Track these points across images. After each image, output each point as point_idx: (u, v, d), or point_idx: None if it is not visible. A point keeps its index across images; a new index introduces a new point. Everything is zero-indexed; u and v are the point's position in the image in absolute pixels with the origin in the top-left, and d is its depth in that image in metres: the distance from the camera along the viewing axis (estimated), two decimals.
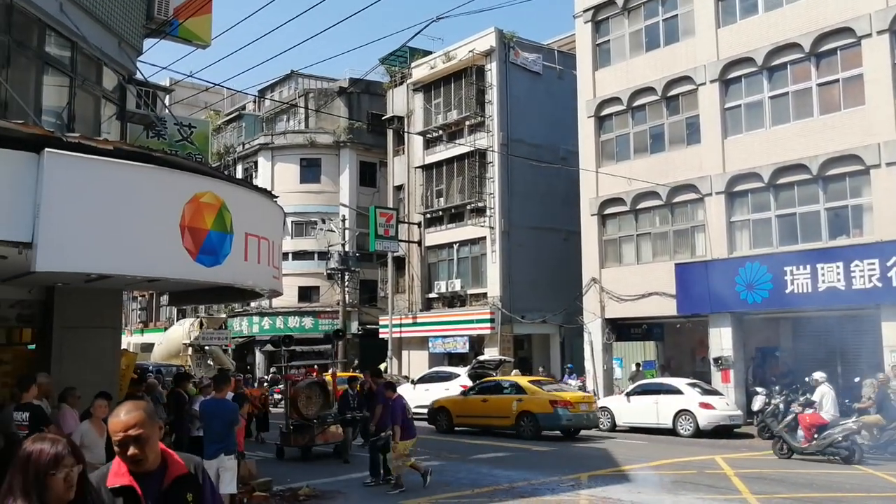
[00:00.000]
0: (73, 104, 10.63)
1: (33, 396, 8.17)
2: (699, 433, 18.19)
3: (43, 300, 11.14)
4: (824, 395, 14.97)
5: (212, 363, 25.90)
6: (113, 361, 11.91)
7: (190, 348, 26.71)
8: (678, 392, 19.01)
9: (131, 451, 2.80)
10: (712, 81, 21.69)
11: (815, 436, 14.07)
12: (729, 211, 21.31)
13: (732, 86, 21.58)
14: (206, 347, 26.43)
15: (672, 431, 18.62)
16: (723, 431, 18.37)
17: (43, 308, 11.17)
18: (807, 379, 16.34)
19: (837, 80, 19.48)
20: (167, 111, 12.94)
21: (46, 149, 7.26)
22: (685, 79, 22.44)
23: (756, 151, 20.64)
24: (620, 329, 24.41)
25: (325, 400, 15.43)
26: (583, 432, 19.23)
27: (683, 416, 18.63)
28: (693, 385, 19.41)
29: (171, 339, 28.69)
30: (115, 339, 12.19)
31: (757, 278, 19.94)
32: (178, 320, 34.59)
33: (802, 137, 19.73)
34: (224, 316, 36.20)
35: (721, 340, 20.92)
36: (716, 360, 20.89)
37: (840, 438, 13.73)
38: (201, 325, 27.24)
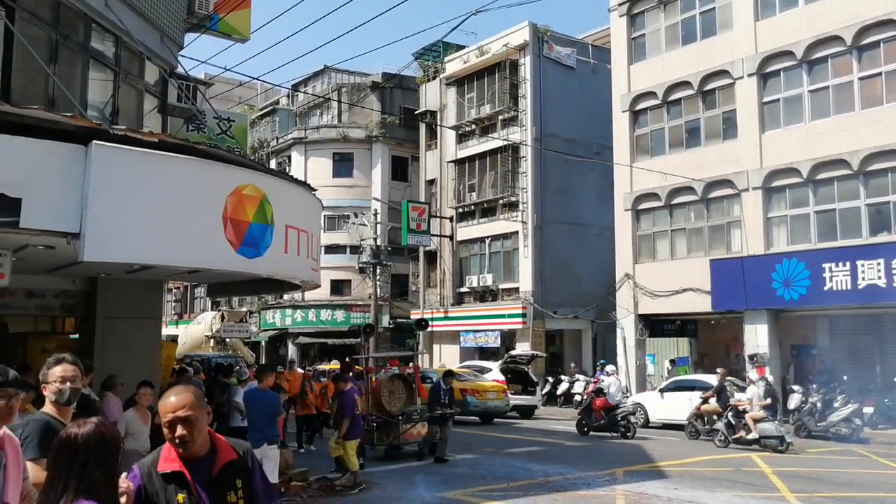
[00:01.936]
0: (116, 98, 10.82)
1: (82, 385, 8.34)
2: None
3: (86, 290, 11.38)
4: (611, 384, 18.05)
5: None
6: (154, 351, 12.15)
7: (212, 340, 27.31)
8: None
9: (179, 431, 2.83)
10: (750, 75, 21.38)
11: (604, 415, 17.30)
12: (766, 206, 21.00)
13: (771, 80, 21.24)
14: (227, 340, 26.98)
15: None
16: None
17: (86, 298, 11.42)
18: (748, 375, 18.36)
19: (880, 74, 19.06)
20: (207, 105, 13.13)
21: (94, 141, 7.40)
22: (722, 73, 22.13)
23: (795, 146, 20.31)
24: (654, 325, 24.21)
25: (409, 395, 14.43)
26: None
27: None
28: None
29: (193, 332, 29.30)
30: (155, 329, 12.42)
31: (794, 275, 19.64)
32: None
33: (843, 132, 19.36)
34: (244, 310, 36.66)
35: (756, 337, 20.65)
36: (751, 357, 20.63)
37: (619, 418, 17.19)
38: (222, 318, 27.80)
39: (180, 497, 2.83)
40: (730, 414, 16.02)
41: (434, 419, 13.68)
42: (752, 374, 16.42)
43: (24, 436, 4.04)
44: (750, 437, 15.37)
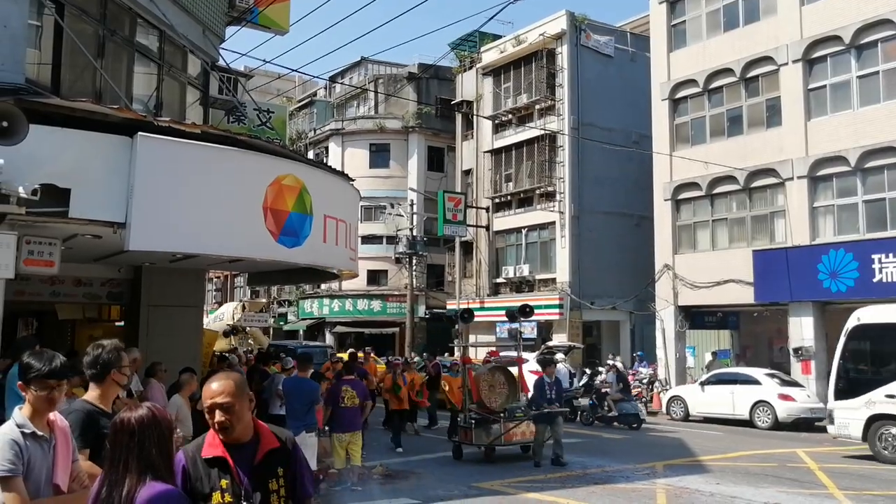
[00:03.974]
0: (160, 90, 10.98)
1: None
2: (778, 426, 17.66)
3: (131, 279, 11.62)
4: (558, 372, 19.36)
5: (252, 342, 26.83)
6: (196, 338, 12.35)
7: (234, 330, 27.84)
8: (756, 382, 18.49)
9: (218, 416, 2.89)
10: (795, 61, 20.85)
11: None
12: (812, 196, 20.51)
13: (817, 66, 20.69)
14: (248, 329, 27.44)
15: (748, 423, 18.14)
16: (803, 425, 17.76)
17: (131, 286, 11.65)
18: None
19: None
20: (248, 97, 13.25)
21: (139, 133, 7.52)
22: (766, 59, 21.62)
23: (842, 134, 19.77)
24: (694, 317, 23.85)
25: (511, 389, 13.29)
26: (653, 421, 18.92)
27: (761, 408, 18.11)
28: (772, 376, 18.86)
29: (216, 327, 29.77)
30: (197, 316, 12.64)
31: (841, 266, 19.16)
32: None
33: (894, 118, 18.80)
34: (264, 300, 36.93)
35: (802, 330, 20.21)
36: (796, 350, 20.20)
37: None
38: (243, 308, 28.21)
39: (223, 482, 2.88)
40: (594, 396, 18.31)
41: (540, 417, 12.10)
42: (610, 363, 19.75)
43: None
44: (610, 414, 17.78)
